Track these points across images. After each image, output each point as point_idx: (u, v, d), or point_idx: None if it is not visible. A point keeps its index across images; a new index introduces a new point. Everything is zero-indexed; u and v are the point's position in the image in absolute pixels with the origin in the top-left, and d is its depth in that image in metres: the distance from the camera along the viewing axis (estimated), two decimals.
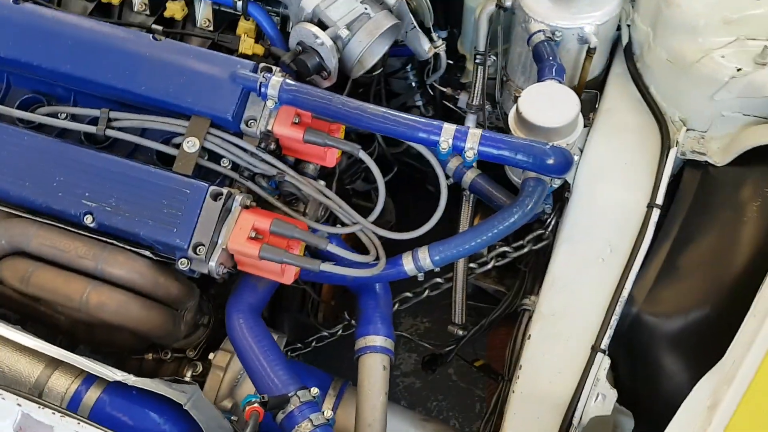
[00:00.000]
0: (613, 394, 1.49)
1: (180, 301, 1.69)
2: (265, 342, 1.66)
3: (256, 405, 1.44)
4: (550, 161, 1.48)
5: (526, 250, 1.93)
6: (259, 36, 1.91)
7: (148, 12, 1.97)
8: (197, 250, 1.54)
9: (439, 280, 2.02)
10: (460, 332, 2.04)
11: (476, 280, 2.27)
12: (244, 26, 1.87)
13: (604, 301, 1.56)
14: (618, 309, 1.52)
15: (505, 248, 1.96)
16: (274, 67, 1.65)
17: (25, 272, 1.61)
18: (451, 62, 2.11)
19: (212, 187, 1.57)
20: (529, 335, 1.61)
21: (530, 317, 1.80)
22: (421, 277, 1.74)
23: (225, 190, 1.56)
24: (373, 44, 1.70)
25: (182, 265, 1.57)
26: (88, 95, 1.73)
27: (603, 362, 1.50)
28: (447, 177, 1.93)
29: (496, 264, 2.00)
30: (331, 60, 1.65)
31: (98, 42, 1.68)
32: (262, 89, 1.58)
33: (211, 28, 1.95)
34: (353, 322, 2.10)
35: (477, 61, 1.92)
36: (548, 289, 1.62)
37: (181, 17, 1.92)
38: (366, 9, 1.67)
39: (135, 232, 1.57)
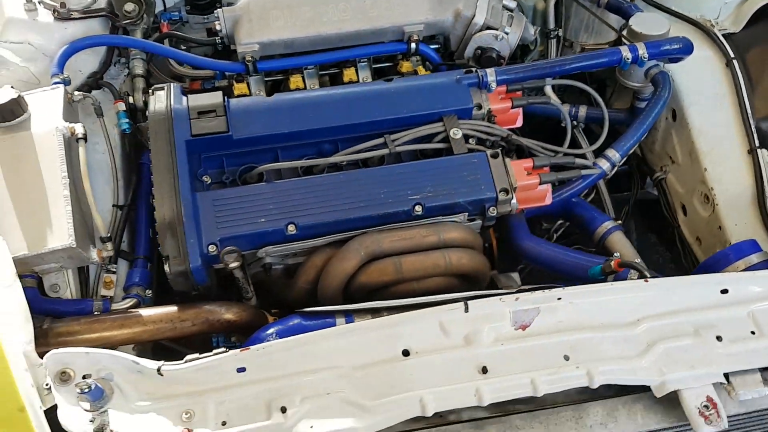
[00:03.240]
0: None
1: (481, 250, 2.24)
2: (553, 246, 2.28)
3: (614, 260, 2.05)
4: (678, 46, 2.32)
5: None
6: None
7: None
8: (501, 195, 2.13)
9: None
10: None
11: None
12: (406, 65, 2.52)
13: (737, 124, 2.40)
14: (751, 122, 2.36)
15: None
16: (472, 68, 2.32)
17: (395, 265, 2.06)
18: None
19: (489, 150, 2.18)
20: (705, 168, 2.39)
21: (666, 179, 2.63)
22: None
23: (498, 150, 2.18)
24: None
25: (491, 212, 2.14)
26: (347, 140, 2.26)
27: (764, 153, 2.32)
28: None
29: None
30: (506, 49, 2.37)
31: (353, 97, 2.24)
32: (484, 80, 2.24)
33: (370, 80, 2.55)
34: None
35: (551, 36, 2.73)
36: (698, 135, 2.44)
37: (356, 79, 2.51)
38: (508, 13, 2.43)
39: (455, 202, 2.11)
